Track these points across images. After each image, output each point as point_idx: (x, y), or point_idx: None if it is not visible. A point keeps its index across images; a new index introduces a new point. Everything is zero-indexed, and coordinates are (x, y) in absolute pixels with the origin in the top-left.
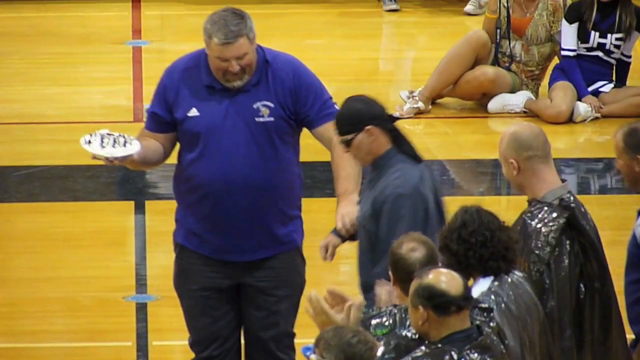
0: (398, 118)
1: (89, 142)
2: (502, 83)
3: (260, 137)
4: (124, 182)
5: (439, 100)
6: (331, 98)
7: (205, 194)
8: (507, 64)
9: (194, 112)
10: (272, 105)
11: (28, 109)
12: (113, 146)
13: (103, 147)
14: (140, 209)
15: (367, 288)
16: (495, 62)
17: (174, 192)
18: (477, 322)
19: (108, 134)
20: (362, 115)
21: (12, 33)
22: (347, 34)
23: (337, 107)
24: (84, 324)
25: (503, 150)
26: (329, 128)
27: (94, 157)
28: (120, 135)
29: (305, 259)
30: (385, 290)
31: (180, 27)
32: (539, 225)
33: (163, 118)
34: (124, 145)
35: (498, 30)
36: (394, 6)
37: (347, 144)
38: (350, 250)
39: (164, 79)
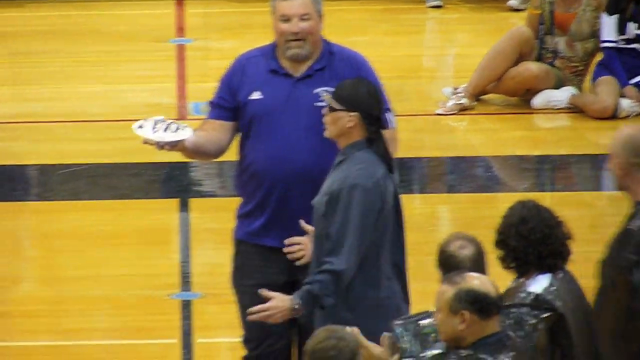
0: (386, 127)
1: (141, 126)
2: (546, 79)
3: (320, 122)
4: (168, 180)
5: (482, 97)
6: (389, 109)
7: (264, 178)
8: (550, 60)
9: (256, 95)
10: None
11: (72, 107)
12: (164, 131)
13: (155, 131)
14: (184, 207)
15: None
16: (539, 58)
17: (236, 186)
18: (532, 322)
19: (162, 120)
20: (359, 100)
21: (56, 31)
22: (390, 31)
23: (393, 119)
24: (129, 321)
25: (615, 147)
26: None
27: (145, 141)
28: (172, 122)
29: None
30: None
31: (223, 25)
32: (638, 223)
33: (228, 103)
34: (176, 131)
35: (541, 26)
36: (436, 2)
37: (330, 109)
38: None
39: (231, 67)
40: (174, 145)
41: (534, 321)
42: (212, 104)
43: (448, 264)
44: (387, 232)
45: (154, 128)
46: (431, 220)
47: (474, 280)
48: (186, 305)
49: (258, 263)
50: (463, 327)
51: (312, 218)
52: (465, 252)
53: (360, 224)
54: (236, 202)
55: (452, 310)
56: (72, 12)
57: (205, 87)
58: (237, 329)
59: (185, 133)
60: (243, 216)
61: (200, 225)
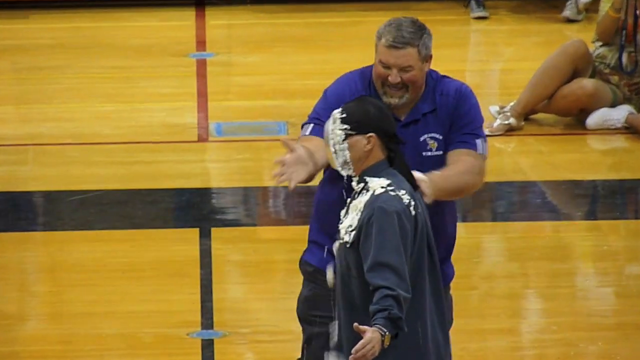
0: (403, 142)
1: None
2: (601, 97)
3: (429, 171)
4: (187, 207)
5: (532, 116)
6: (479, 134)
7: None
8: (607, 76)
9: None
10: (440, 137)
11: (83, 128)
12: None
13: None
14: (205, 237)
15: (353, 305)
16: (620, 67)
17: (321, 212)
18: None
19: None
20: (372, 120)
21: (65, 45)
22: (432, 44)
23: (481, 144)
24: None
25: None
26: (460, 152)
27: None
28: None
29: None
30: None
31: (248, 38)
32: None
33: None
34: None
35: (624, 32)
36: (482, 13)
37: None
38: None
39: (341, 85)
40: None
41: None
42: (316, 119)
43: None
44: (424, 257)
45: None
46: (475, 252)
47: None
48: (207, 345)
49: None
50: None
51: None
52: None
53: (400, 247)
54: (262, 231)
55: None
56: (82, 24)
57: (228, 106)
58: None
59: None
60: (326, 243)
61: (223, 257)
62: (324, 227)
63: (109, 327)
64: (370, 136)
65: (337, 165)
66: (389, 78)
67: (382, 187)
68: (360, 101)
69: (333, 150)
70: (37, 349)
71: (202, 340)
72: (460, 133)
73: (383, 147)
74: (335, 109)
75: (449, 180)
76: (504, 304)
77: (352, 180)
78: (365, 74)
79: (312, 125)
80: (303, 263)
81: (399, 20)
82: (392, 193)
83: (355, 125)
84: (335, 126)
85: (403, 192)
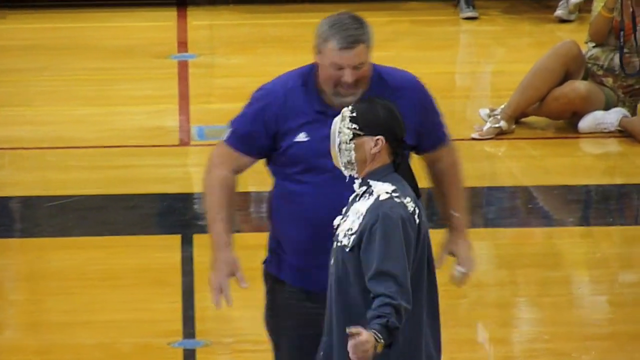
0: (411, 147)
1: None
2: (594, 100)
3: None
4: (168, 213)
5: (523, 120)
6: (443, 120)
7: (313, 223)
8: (600, 78)
9: (302, 137)
10: None
11: (61, 131)
12: None
13: None
14: (187, 244)
15: (350, 312)
16: (622, 69)
17: (270, 217)
18: None
19: None
20: (381, 123)
21: (43, 46)
22: (419, 45)
23: (447, 132)
24: None
25: None
26: (439, 152)
27: None
28: None
29: None
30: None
31: (231, 39)
32: None
33: (260, 139)
34: None
35: (622, 33)
36: (472, 13)
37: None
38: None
39: (267, 95)
40: None
41: None
42: (236, 131)
43: None
44: (424, 268)
45: None
46: None
47: None
48: (189, 355)
49: (307, 305)
50: None
51: (332, 259)
52: None
53: (404, 256)
54: (245, 237)
55: None
56: (60, 24)
57: (210, 109)
58: None
59: None
60: (282, 253)
61: (205, 264)
62: (277, 234)
63: (88, 337)
64: (379, 139)
65: (339, 164)
66: (343, 79)
67: (387, 193)
68: (371, 102)
69: (338, 148)
70: (14, 359)
71: (184, 350)
72: (434, 128)
73: (390, 151)
74: (259, 110)
75: (463, 200)
76: (494, 312)
77: (354, 182)
78: (304, 74)
79: (230, 130)
80: (264, 273)
81: (339, 18)
82: (397, 200)
83: (365, 126)
84: (343, 124)
85: (408, 199)
